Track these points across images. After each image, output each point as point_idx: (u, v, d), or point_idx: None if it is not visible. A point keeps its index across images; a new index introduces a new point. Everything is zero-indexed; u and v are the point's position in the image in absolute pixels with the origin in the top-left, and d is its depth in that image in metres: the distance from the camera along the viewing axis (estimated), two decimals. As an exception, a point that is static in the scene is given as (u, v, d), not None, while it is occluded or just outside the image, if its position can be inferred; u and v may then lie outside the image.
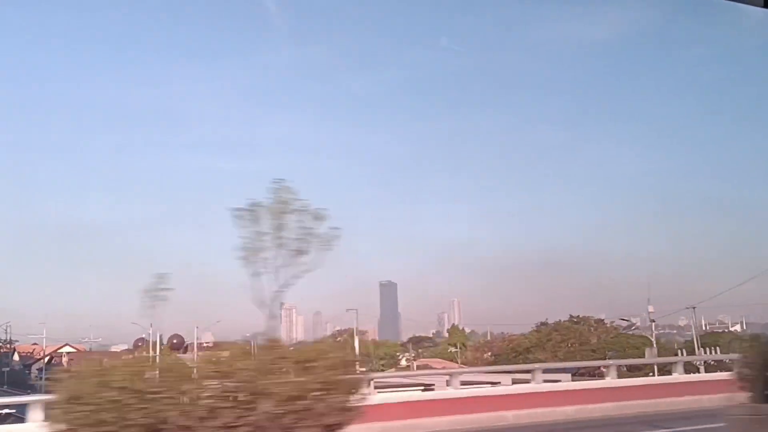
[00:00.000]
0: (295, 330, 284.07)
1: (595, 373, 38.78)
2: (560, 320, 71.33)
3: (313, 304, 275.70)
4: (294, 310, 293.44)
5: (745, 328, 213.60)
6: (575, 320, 71.44)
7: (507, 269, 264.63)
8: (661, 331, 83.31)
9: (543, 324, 72.23)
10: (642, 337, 64.37)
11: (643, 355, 49.13)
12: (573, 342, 66.80)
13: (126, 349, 66.63)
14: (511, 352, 70.12)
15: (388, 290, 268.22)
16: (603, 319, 72.26)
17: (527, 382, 20.72)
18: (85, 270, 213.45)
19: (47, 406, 9.90)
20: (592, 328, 70.14)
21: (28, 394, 24.51)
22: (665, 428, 15.89)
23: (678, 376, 21.75)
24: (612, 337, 66.70)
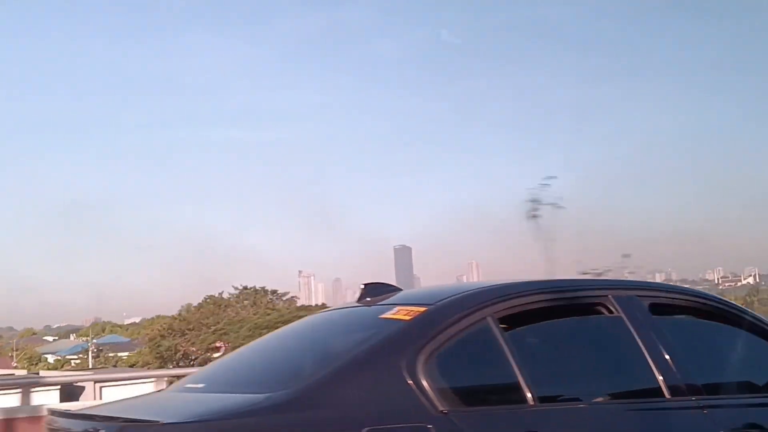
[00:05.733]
0: (314, 297, 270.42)
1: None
2: (222, 293, 50.22)
3: (333, 271, 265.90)
4: (313, 278, 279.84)
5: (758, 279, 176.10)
6: (247, 292, 50.09)
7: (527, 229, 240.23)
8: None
9: (210, 297, 51.12)
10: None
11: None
12: (209, 324, 45.94)
13: None
14: (158, 337, 49.99)
15: (403, 254, 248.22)
16: (277, 290, 50.41)
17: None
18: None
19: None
20: (259, 304, 48.71)
21: None
22: None
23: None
24: (264, 314, 45.03)
